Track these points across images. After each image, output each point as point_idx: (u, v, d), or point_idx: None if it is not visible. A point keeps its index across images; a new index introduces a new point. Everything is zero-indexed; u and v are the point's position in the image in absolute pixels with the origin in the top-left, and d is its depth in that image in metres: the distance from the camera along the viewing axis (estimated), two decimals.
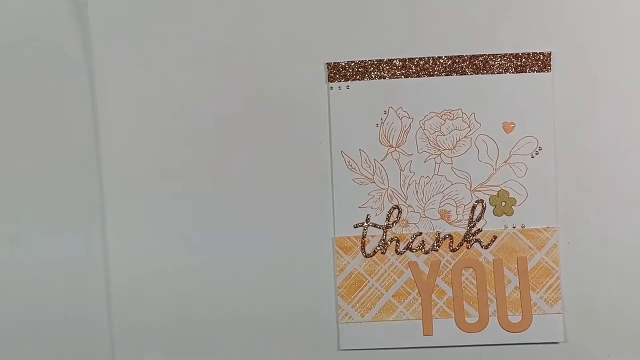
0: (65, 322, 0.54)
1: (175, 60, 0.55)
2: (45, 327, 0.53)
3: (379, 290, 0.55)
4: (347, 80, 0.54)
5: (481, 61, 0.54)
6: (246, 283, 0.55)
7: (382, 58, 0.54)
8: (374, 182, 0.55)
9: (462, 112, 0.54)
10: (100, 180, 0.55)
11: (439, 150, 0.54)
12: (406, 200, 0.55)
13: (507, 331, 0.54)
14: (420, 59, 0.54)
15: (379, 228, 0.55)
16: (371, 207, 0.55)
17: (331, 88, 0.54)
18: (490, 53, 0.54)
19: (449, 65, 0.54)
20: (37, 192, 0.53)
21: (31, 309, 0.52)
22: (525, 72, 0.54)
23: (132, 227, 0.55)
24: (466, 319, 0.54)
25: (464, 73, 0.54)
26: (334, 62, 0.54)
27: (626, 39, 0.54)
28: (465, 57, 0.54)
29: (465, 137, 0.54)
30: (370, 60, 0.54)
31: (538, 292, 0.54)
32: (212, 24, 0.55)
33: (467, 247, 0.55)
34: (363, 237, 0.55)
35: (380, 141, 0.54)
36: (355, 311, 0.55)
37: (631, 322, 0.54)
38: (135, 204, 0.55)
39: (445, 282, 0.55)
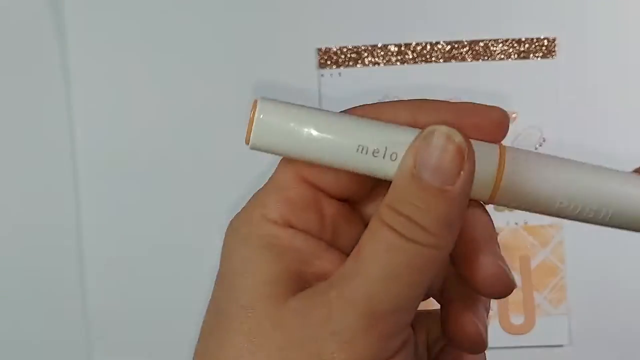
0: None
1: (154, 45, 0.53)
2: None
3: None
4: (339, 66, 0.52)
5: (482, 47, 0.52)
6: None
7: (376, 43, 0.52)
8: None
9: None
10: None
11: None
12: None
13: (509, 333, 0.53)
14: (417, 44, 0.52)
15: None
16: None
17: (322, 75, 0.52)
18: (491, 38, 0.52)
19: (447, 51, 0.52)
20: None
21: None
22: (529, 58, 0.52)
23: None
24: None
25: (463, 59, 0.52)
26: (325, 48, 0.52)
27: (637, 24, 0.52)
28: (465, 43, 0.52)
29: None
30: (364, 46, 0.52)
31: (542, 292, 0.53)
32: (194, 7, 0.53)
33: None
34: None
35: None
36: None
37: None
38: (111, 183, 0.53)
39: None
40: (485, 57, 0.52)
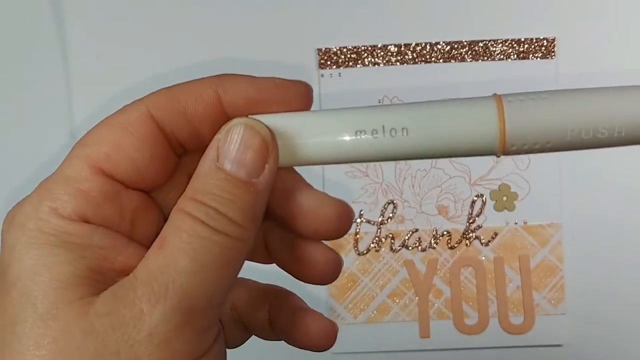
0: None
1: (154, 45, 0.52)
2: None
3: (373, 291, 0.53)
4: (339, 67, 0.52)
5: (481, 47, 0.52)
6: None
7: (376, 43, 0.52)
8: (367, 175, 0.52)
9: None
10: None
11: None
12: (402, 194, 0.53)
13: (509, 333, 0.52)
14: (417, 44, 0.52)
15: (373, 224, 0.53)
16: (364, 202, 0.53)
17: (322, 75, 0.52)
18: (490, 38, 0.52)
19: (447, 52, 0.52)
20: None
21: None
22: (528, 58, 0.52)
23: None
24: (465, 320, 0.52)
25: (463, 60, 0.52)
26: (325, 48, 0.52)
27: (636, 25, 0.52)
28: (465, 43, 0.52)
29: None
30: (364, 46, 0.52)
31: (541, 292, 0.52)
32: (194, 7, 0.52)
33: (466, 245, 0.53)
34: (356, 234, 0.53)
35: None
36: (348, 312, 0.53)
37: (639, 323, 0.52)
38: None
39: (443, 282, 0.53)
40: (485, 58, 0.52)
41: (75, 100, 0.53)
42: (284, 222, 0.24)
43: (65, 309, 0.19)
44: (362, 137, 0.22)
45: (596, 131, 0.21)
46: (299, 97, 0.23)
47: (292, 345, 0.26)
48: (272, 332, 0.27)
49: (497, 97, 0.21)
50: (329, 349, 0.26)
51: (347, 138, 0.22)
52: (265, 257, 0.27)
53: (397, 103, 0.23)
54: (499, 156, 0.22)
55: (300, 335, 0.26)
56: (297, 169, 0.25)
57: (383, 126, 0.22)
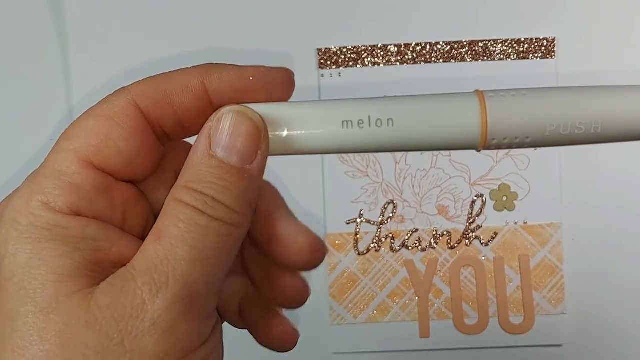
0: None
1: (153, 45, 0.52)
2: None
3: (373, 290, 0.53)
4: (339, 67, 0.52)
5: (481, 47, 0.52)
6: None
7: (376, 43, 0.52)
8: (367, 175, 0.52)
9: None
10: None
11: None
12: (402, 194, 0.53)
13: (509, 333, 0.52)
14: (417, 44, 0.52)
15: (373, 224, 0.53)
16: (364, 202, 0.52)
17: (322, 75, 0.52)
18: (490, 38, 0.52)
19: (447, 52, 0.52)
20: None
21: None
22: (528, 58, 0.52)
23: None
24: (465, 320, 0.52)
25: (463, 60, 0.52)
26: (325, 48, 0.52)
27: (636, 24, 0.52)
28: (465, 43, 0.52)
29: None
30: (364, 46, 0.52)
31: (541, 292, 0.52)
32: (194, 7, 0.52)
33: (466, 245, 0.53)
34: (356, 234, 0.53)
35: None
36: (348, 312, 0.53)
37: (639, 323, 0.52)
38: None
39: (443, 282, 0.53)
40: (485, 58, 0.52)
41: (75, 99, 0.53)
42: (260, 245, 0.24)
43: (67, 301, 0.19)
44: (349, 127, 0.22)
45: (574, 127, 0.22)
46: (282, 83, 0.23)
47: (255, 339, 0.27)
48: (241, 322, 0.27)
49: (479, 93, 0.22)
50: (286, 352, 0.27)
51: (333, 128, 0.22)
52: (241, 270, 0.27)
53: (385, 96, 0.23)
54: (479, 150, 0.22)
55: (262, 332, 0.26)
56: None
57: (369, 117, 0.22)
